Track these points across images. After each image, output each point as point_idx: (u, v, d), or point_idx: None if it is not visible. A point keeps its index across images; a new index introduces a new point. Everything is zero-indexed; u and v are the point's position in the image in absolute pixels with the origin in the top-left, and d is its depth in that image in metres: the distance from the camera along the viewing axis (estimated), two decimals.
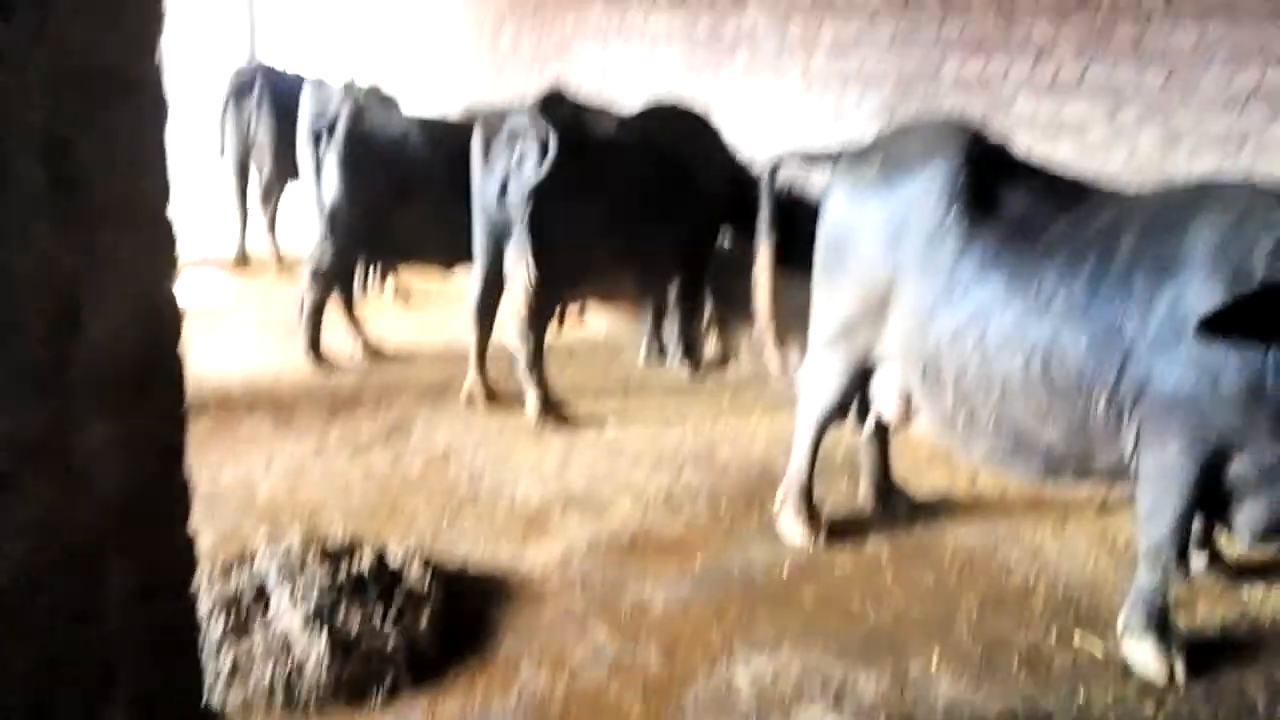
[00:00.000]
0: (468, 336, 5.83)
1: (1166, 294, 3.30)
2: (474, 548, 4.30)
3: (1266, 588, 4.08)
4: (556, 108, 5.37)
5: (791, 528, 4.40)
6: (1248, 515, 3.42)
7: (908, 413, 4.14)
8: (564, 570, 4.13)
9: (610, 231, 5.44)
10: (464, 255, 5.76)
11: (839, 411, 4.34)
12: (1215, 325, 3.09)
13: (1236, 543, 3.76)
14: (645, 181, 5.56)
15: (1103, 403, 3.44)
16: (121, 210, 1.40)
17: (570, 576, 4.09)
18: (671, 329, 6.57)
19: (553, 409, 5.62)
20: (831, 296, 4.13)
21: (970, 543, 4.43)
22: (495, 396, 5.86)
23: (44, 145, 1.27)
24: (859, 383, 4.22)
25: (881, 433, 4.57)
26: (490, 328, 5.78)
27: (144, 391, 1.46)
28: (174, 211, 1.50)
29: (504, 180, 5.28)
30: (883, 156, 4.00)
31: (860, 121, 6.73)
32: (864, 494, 4.70)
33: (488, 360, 5.84)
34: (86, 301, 1.35)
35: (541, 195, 5.14)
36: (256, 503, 4.62)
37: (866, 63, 6.70)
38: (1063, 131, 5.88)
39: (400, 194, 6.08)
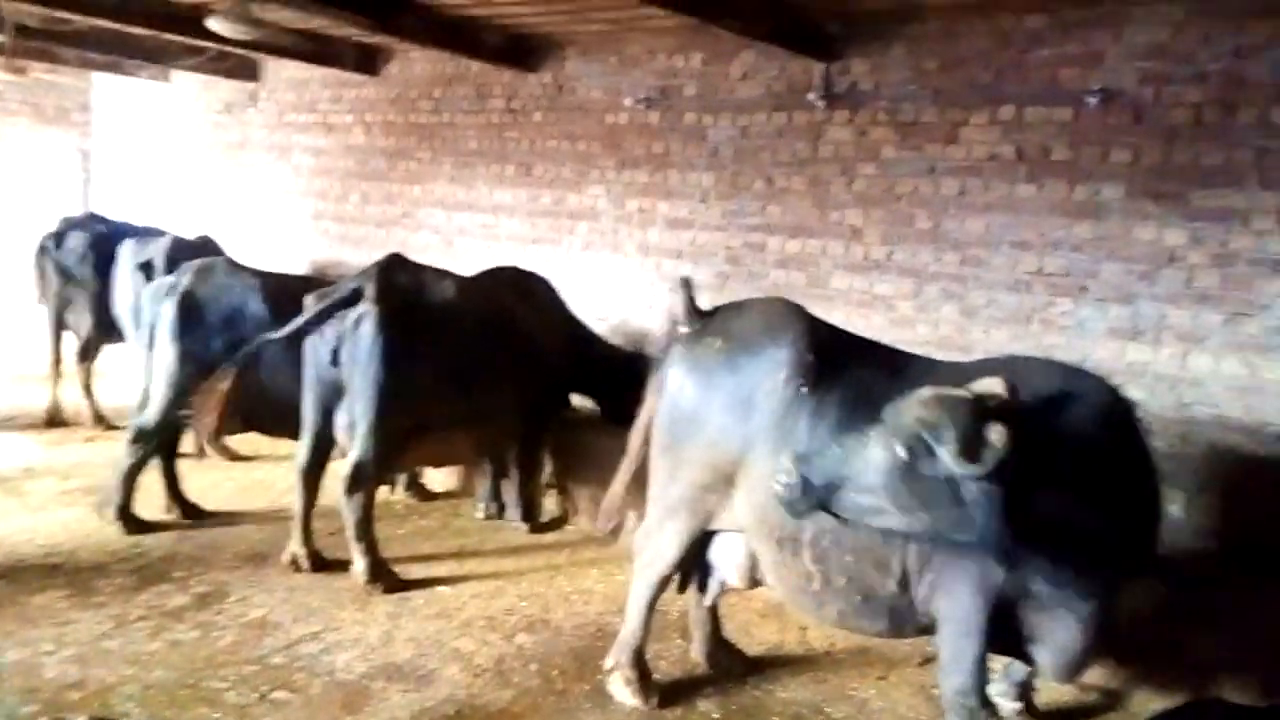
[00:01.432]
0: (293, 498, 5.63)
1: None
2: None
3: None
4: (396, 271, 5.43)
5: (623, 691, 4.32)
6: (1044, 654, 3.62)
7: (752, 579, 4.20)
8: None
9: (447, 394, 5.43)
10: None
11: (677, 575, 4.36)
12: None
13: (1045, 679, 3.91)
14: (485, 344, 5.60)
15: (912, 550, 3.63)
16: None
17: None
18: (511, 487, 6.54)
19: (382, 573, 5.41)
20: (676, 467, 4.18)
21: (799, 698, 4.46)
22: (321, 562, 5.61)
23: None
24: (697, 549, 4.28)
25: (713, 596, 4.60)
26: (316, 490, 5.60)
27: None
28: None
29: (337, 343, 5.24)
30: (723, 336, 4.17)
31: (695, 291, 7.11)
32: (696, 653, 4.70)
33: (314, 523, 5.63)
34: None
35: (377, 358, 5.13)
36: (41, 686, 4.19)
37: (699, 238, 7.17)
38: (875, 305, 6.41)
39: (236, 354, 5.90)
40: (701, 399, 4.07)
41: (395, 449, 5.38)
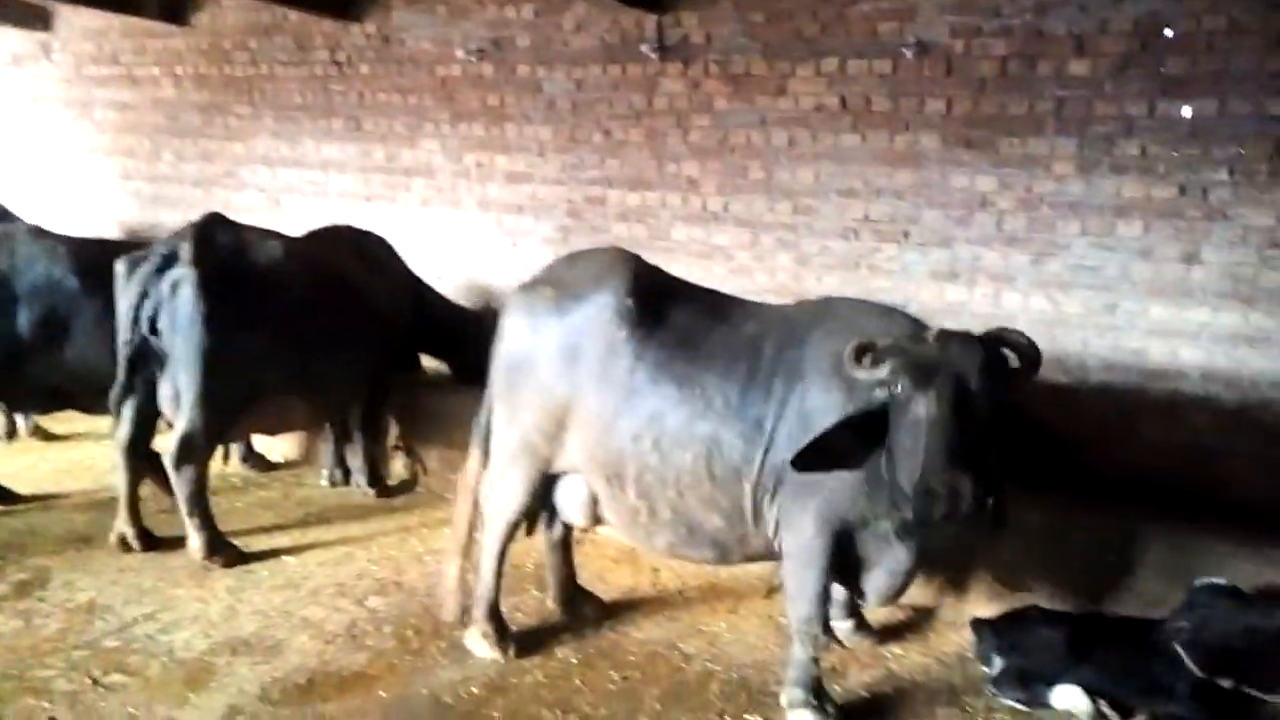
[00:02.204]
0: (116, 478, 5.30)
1: (795, 396, 3.77)
2: (122, 711, 3.83)
3: (905, 646, 4.58)
4: (214, 231, 5.13)
5: (480, 644, 4.34)
6: (873, 581, 3.88)
7: (594, 517, 4.30)
8: None
9: (279, 359, 5.19)
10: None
11: (525, 522, 4.41)
12: (802, 460, 3.51)
13: (868, 605, 4.18)
14: (317, 306, 5.38)
15: (749, 488, 3.81)
16: None
17: None
18: (355, 452, 6.37)
19: (220, 547, 5.18)
20: (513, 415, 4.24)
21: (654, 637, 4.59)
22: (153, 540, 5.33)
23: None
24: (542, 495, 4.34)
25: (564, 540, 4.68)
26: (142, 467, 5.29)
27: None
28: None
29: (154, 310, 4.93)
30: (554, 284, 4.22)
31: (536, 247, 7.10)
32: (552, 601, 4.76)
33: (143, 500, 5.33)
34: None
35: (199, 324, 4.86)
36: None
37: (539, 192, 7.12)
38: (715, 255, 6.55)
39: (46, 329, 5.48)
40: (533, 345, 4.13)
41: (225, 418, 5.13)
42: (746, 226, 6.41)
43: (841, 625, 4.51)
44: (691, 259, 6.56)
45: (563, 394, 4.06)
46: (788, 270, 6.32)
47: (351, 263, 5.85)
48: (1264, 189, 4.86)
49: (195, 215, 5.28)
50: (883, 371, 3.39)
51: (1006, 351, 3.46)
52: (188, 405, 4.95)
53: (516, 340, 4.21)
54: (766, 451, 3.77)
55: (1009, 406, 3.46)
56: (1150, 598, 4.34)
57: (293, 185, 8.21)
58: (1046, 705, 4.04)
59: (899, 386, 3.33)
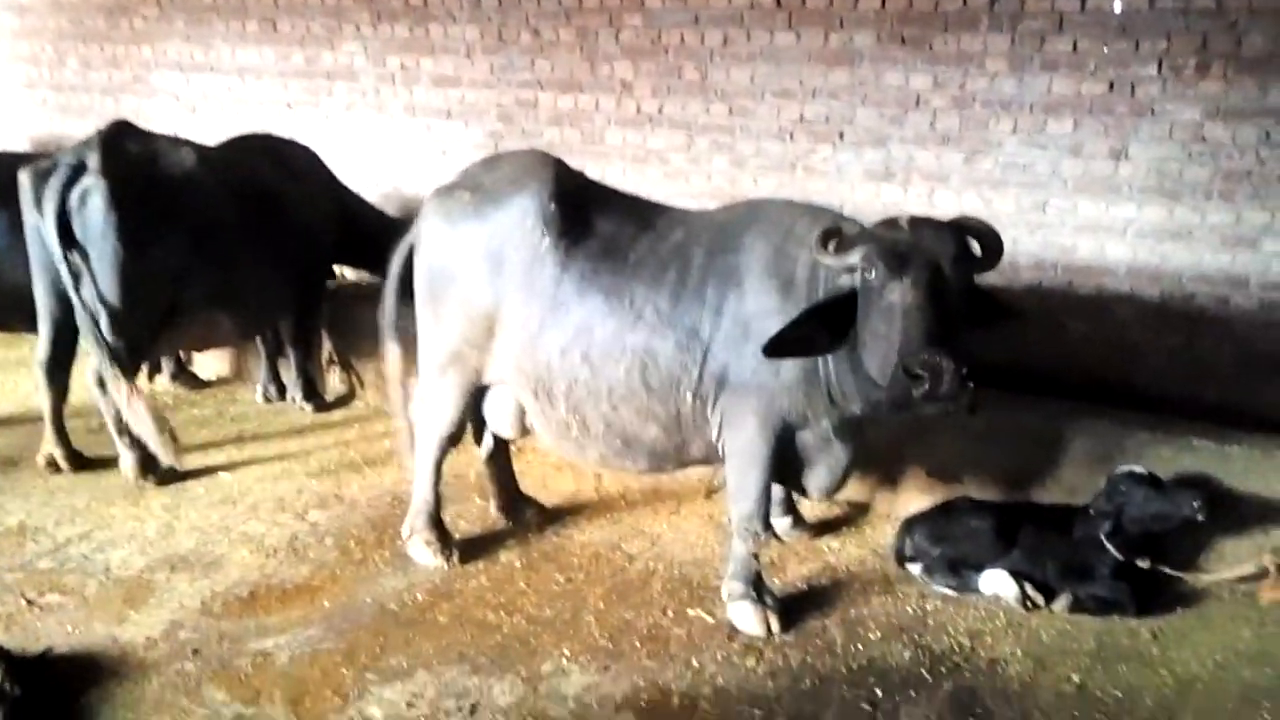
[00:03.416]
0: (39, 398, 5.13)
1: (731, 301, 3.75)
2: (60, 630, 3.79)
3: (841, 540, 4.72)
4: (122, 139, 4.87)
5: (422, 553, 4.36)
6: (814, 477, 3.96)
7: (523, 428, 4.28)
8: (172, 637, 3.78)
9: (199, 271, 5.00)
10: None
11: (457, 434, 4.38)
12: (774, 348, 3.50)
13: (808, 500, 4.28)
14: (237, 216, 5.18)
15: (689, 396, 3.82)
16: None
17: (180, 642, 3.74)
18: (289, 367, 6.26)
19: (153, 466, 5.09)
20: (438, 325, 4.15)
21: (597, 539, 4.66)
22: (83, 460, 5.21)
23: None
24: (473, 405, 4.30)
25: (502, 448, 4.68)
26: (65, 386, 5.13)
27: None
28: None
29: (64, 224, 4.69)
30: (473, 189, 4.09)
31: (467, 153, 6.89)
32: (494, 509, 4.78)
33: (72, 420, 5.18)
34: None
35: (111, 236, 4.65)
36: None
37: (468, 96, 6.90)
38: (650, 159, 6.45)
39: None
40: (453, 253, 4.02)
41: (146, 334, 4.96)
42: (681, 129, 6.30)
43: (780, 522, 4.63)
44: (626, 163, 6.46)
45: (487, 302, 3.98)
46: (724, 174, 6.25)
47: (271, 171, 5.62)
48: (1190, 84, 4.90)
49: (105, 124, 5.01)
50: (853, 257, 3.37)
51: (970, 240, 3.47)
52: (106, 322, 4.78)
53: (435, 247, 4.08)
54: (705, 359, 3.77)
55: (977, 294, 3.50)
56: (1074, 486, 4.51)
57: (208, 92, 7.83)
58: (975, 590, 4.22)
59: (873, 273, 3.31)
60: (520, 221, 3.91)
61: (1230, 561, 4.31)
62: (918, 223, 3.40)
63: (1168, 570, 4.23)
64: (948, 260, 3.30)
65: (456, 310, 4.05)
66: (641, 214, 4.08)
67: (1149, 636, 3.97)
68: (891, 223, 3.44)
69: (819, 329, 3.49)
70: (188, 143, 5.26)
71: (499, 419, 4.31)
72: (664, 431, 3.94)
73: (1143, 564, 4.15)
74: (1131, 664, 3.78)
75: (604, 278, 3.86)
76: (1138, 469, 4.19)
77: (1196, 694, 3.61)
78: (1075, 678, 3.68)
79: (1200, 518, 3.97)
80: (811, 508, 4.82)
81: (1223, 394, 5.07)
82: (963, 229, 3.46)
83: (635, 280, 3.84)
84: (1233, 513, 4.33)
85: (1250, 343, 5.05)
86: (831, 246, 3.44)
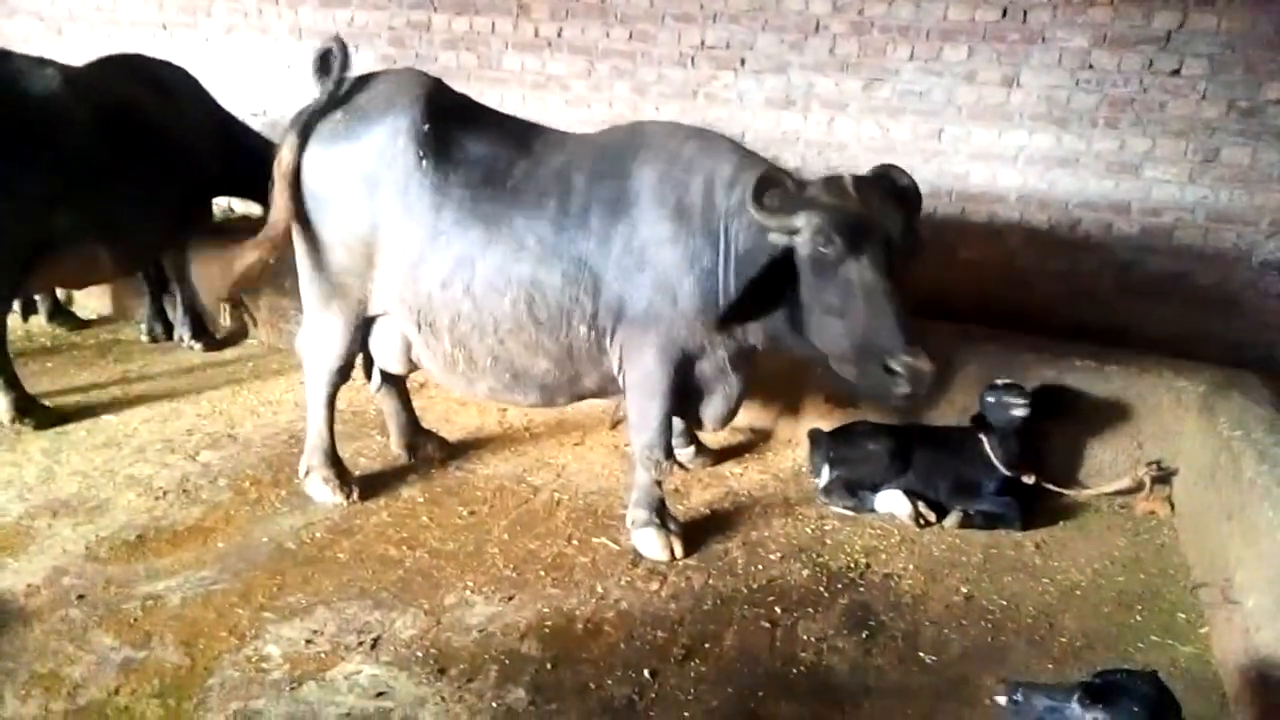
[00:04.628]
0: None
1: (621, 230, 3.65)
2: None
3: (743, 466, 4.80)
4: None
5: (321, 490, 4.26)
6: (711, 407, 3.98)
7: (409, 362, 4.15)
8: (55, 583, 3.62)
9: (68, 201, 4.70)
10: None
11: (346, 368, 4.23)
12: (728, 317, 3.47)
13: (704, 430, 4.29)
14: (108, 142, 4.85)
15: (584, 329, 3.75)
16: None
17: (64, 588, 3.59)
18: (175, 304, 5.99)
19: (30, 408, 4.84)
20: (317, 255, 3.96)
21: (501, 472, 4.63)
22: None
23: None
24: (360, 338, 4.13)
25: (398, 383, 4.56)
26: None
27: None
28: None
29: None
30: (346, 108, 3.87)
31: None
32: (394, 446, 4.70)
33: None
34: None
35: None
36: None
37: (358, 17, 6.59)
38: (549, 85, 6.29)
39: None
40: (327, 176, 3.83)
41: (13, 269, 4.66)
42: (582, 54, 6.15)
43: (684, 452, 4.67)
44: (525, 90, 6.29)
45: (364, 228, 3.80)
46: (625, 100, 6.14)
47: (144, 95, 5.26)
48: (1079, 10, 4.98)
49: None
50: (798, 223, 3.30)
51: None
52: None
53: (308, 171, 3.87)
54: (597, 289, 3.69)
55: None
56: (965, 407, 4.65)
57: (75, 11, 7.29)
58: (872, 510, 4.35)
59: (827, 246, 3.26)
60: (392, 141, 3.72)
61: (1109, 476, 4.54)
62: (864, 189, 3.34)
63: (1050, 486, 4.44)
64: (898, 234, 3.31)
65: (334, 237, 3.87)
66: (520, 136, 3.90)
67: (1033, 548, 4.16)
68: (837, 186, 3.35)
69: (760, 296, 3.41)
70: (52, 63, 4.88)
71: (385, 353, 4.16)
72: (555, 365, 3.86)
73: (1027, 480, 4.34)
74: (1016, 574, 3.97)
75: (483, 205, 3.71)
76: (1001, 381, 4.34)
77: (1076, 599, 3.81)
78: (964, 589, 3.84)
79: (1022, 414, 4.18)
80: (715, 436, 4.87)
81: (1103, 316, 5.29)
82: (903, 193, 3.46)
83: (515, 208, 3.70)
84: (1109, 428, 4.55)
85: (1130, 267, 5.25)
86: (768, 201, 3.36)
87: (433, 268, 3.76)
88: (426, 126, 3.72)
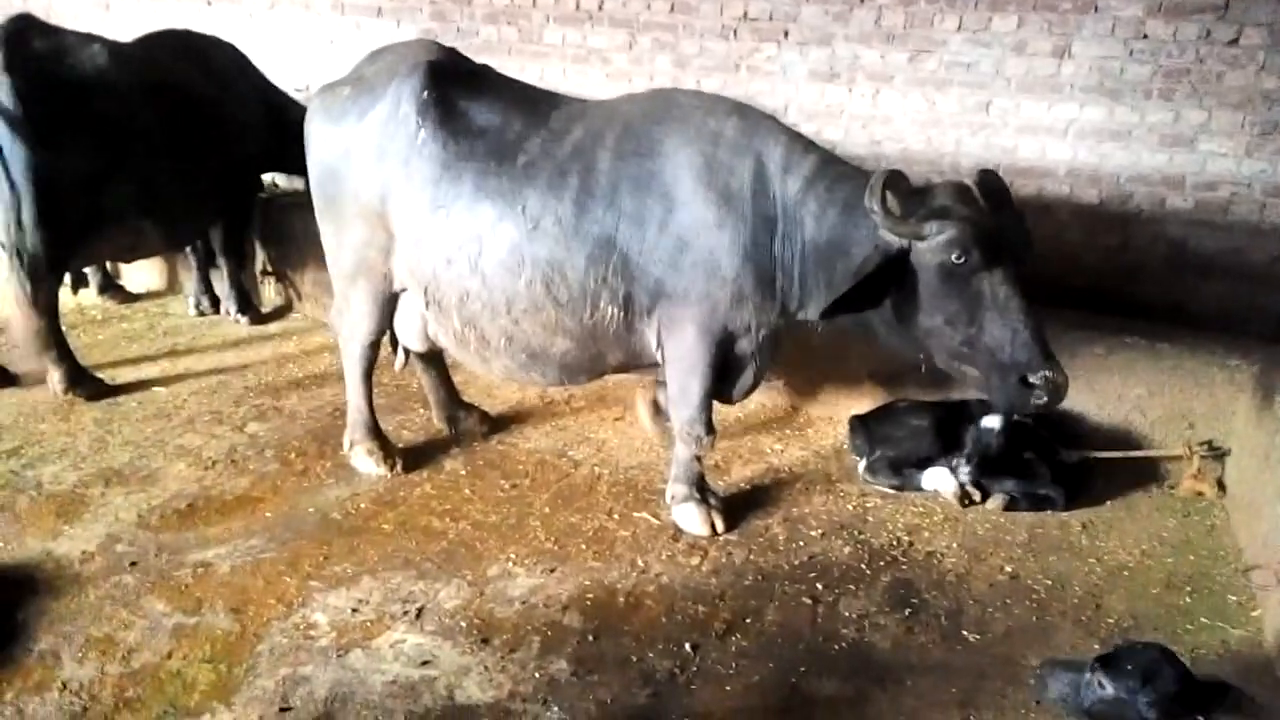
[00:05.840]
0: None
1: (656, 212, 3.55)
2: None
3: (784, 442, 4.78)
4: (27, 35, 4.55)
5: (365, 462, 4.31)
6: (740, 382, 3.93)
7: (427, 339, 4.10)
8: (109, 550, 3.71)
9: (116, 177, 4.74)
10: None
11: (378, 342, 4.21)
12: (831, 313, 3.41)
13: (729, 403, 4.18)
14: (157, 118, 4.90)
15: (613, 309, 3.67)
16: None
17: (117, 555, 3.68)
18: (222, 279, 6.07)
19: (83, 380, 4.94)
20: (339, 233, 3.96)
21: (542, 446, 4.66)
22: (6, 377, 5.03)
23: None
24: (389, 312, 4.09)
25: (436, 358, 4.52)
26: None
27: None
28: None
29: None
30: (354, 82, 3.86)
31: None
32: (436, 419, 4.73)
33: None
34: None
35: (20, 139, 4.36)
36: None
37: None
38: (591, 59, 6.26)
39: None
40: (339, 151, 3.82)
41: (64, 243, 4.71)
42: (623, 27, 6.11)
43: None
44: (566, 63, 6.26)
45: (375, 200, 3.77)
46: (666, 74, 6.09)
47: (192, 71, 5.33)
48: None
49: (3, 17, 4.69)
50: (929, 230, 3.24)
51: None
52: (16, 231, 4.53)
53: (322, 147, 3.87)
54: (629, 272, 3.60)
55: None
56: None
57: None
58: (918, 488, 4.31)
59: (963, 259, 3.21)
60: (394, 111, 3.69)
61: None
62: (994, 201, 3.34)
63: (1095, 454, 4.36)
64: (1023, 249, 3.32)
65: (351, 212, 3.86)
66: (533, 106, 3.80)
67: (1079, 528, 4.11)
68: (967, 195, 3.32)
69: (864, 292, 3.36)
70: (99, 39, 4.94)
71: (406, 330, 4.13)
72: (576, 344, 3.79)
73: (1069, 459, 4.28)
74: (1062, 554, 3.92)
75: (490, 180, 3.62)
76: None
77: (1123, 580, 3.75)
78: (1008, 568, 3.80)
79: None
80: (754, 410, 4.86)
81: (1155, 292, 5.17)
82: (1009, 199, 3.44)
83: (529, 185, 3.60)
84: (1160, 408, 4.46)
85: (1183, 242, 5.13)
86: (893, 204, 3.29)
87: (438, 243, 3.71)
88: (426, 94, 3.66)
